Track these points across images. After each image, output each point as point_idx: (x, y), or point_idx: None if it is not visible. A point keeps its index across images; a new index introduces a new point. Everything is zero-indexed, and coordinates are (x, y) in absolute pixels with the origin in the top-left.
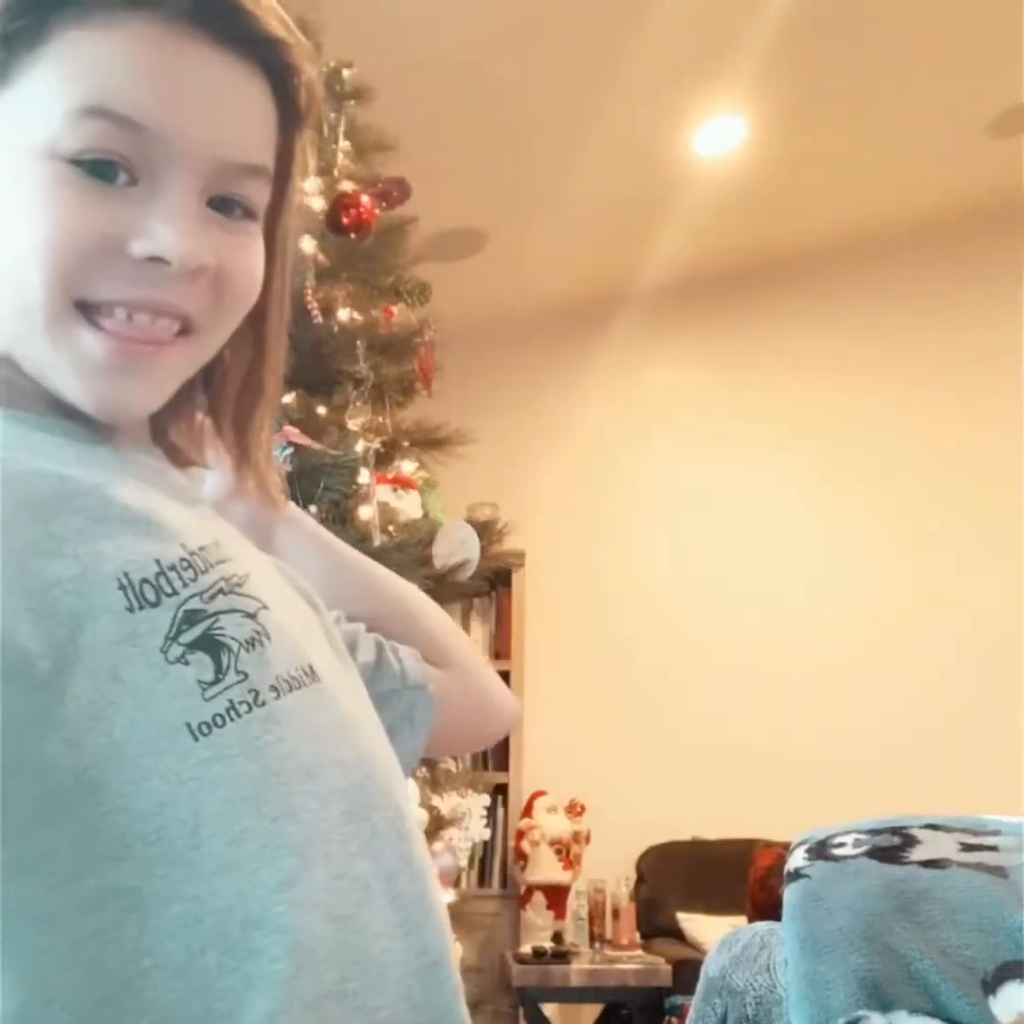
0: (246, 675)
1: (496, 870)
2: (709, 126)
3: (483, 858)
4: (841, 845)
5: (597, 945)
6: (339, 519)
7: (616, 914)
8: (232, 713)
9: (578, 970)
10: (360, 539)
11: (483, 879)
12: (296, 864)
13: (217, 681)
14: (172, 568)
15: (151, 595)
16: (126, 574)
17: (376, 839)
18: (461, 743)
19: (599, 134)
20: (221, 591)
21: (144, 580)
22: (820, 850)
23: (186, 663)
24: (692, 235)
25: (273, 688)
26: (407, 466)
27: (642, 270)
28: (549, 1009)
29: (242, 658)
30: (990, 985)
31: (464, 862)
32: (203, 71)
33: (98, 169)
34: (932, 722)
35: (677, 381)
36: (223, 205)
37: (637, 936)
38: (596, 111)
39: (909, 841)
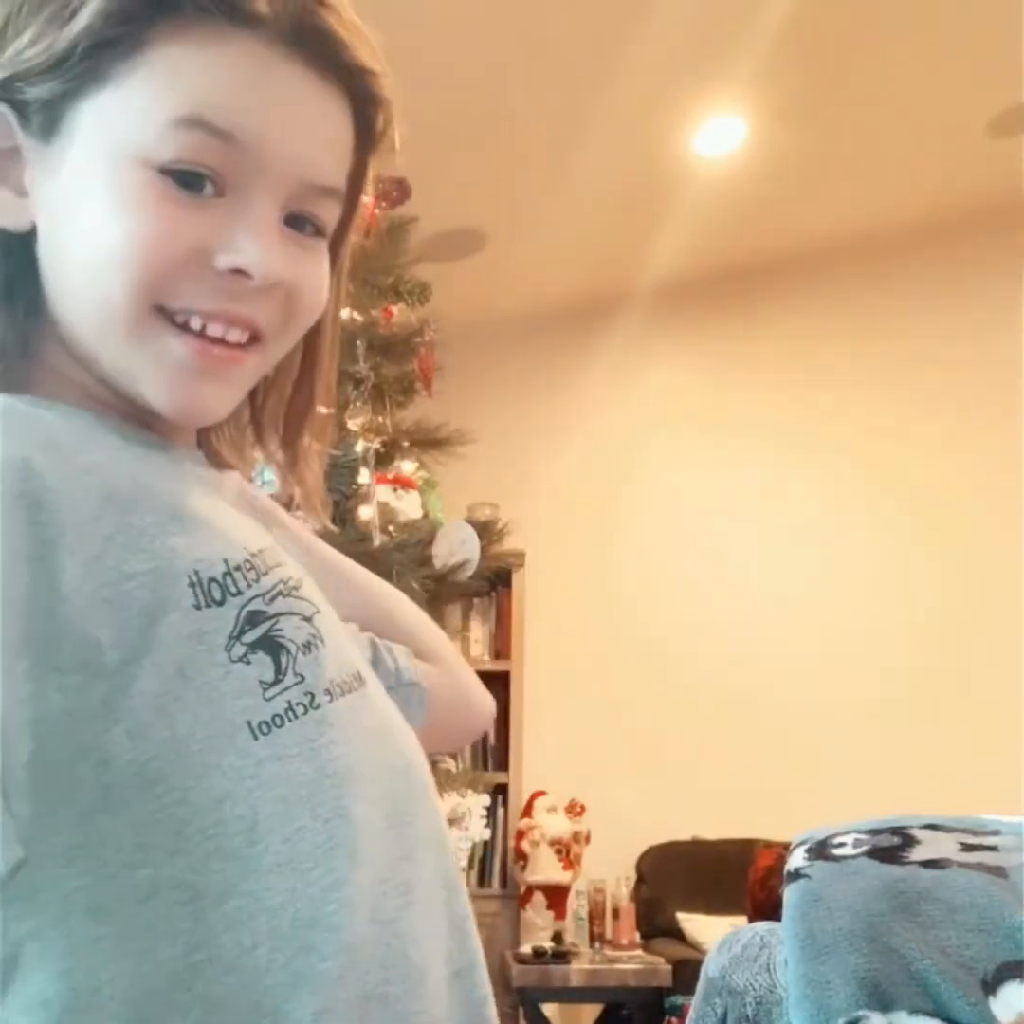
0: (303, 677)
1: (496, 870)
2: (709, 126)
3: (483, 858)
4: (841, 845)
5: (597, 945)
6: (339, 519)
7: (616, 914)
8: (290, 714)
9: (578, 970)
10: (360, 539)
11: (483, 879)
12: (347, 865)
13: (277, 682)
14: (237, 568)
15: (218, 594)
16: (196, 571)
17: (417, 846)
18: (445, 740)
19: (599, 134)
20: (280, 593)
21: (212, 579)
22: (820, 850)
23: (248, 663)
24: (692, 235)
25: (327, 691)
26: (407, 466)
27: (642, 270)
28: (549, 1009)
29: (299, 660)
30: (990, 985)
31: (464, 862)
32: (295, 92)
33: (186, 179)
34: (933, 722)
35: (677, 381)
36: (296, 222)
37: (637, 936)
38: (596, 111)
39: (909, 841)
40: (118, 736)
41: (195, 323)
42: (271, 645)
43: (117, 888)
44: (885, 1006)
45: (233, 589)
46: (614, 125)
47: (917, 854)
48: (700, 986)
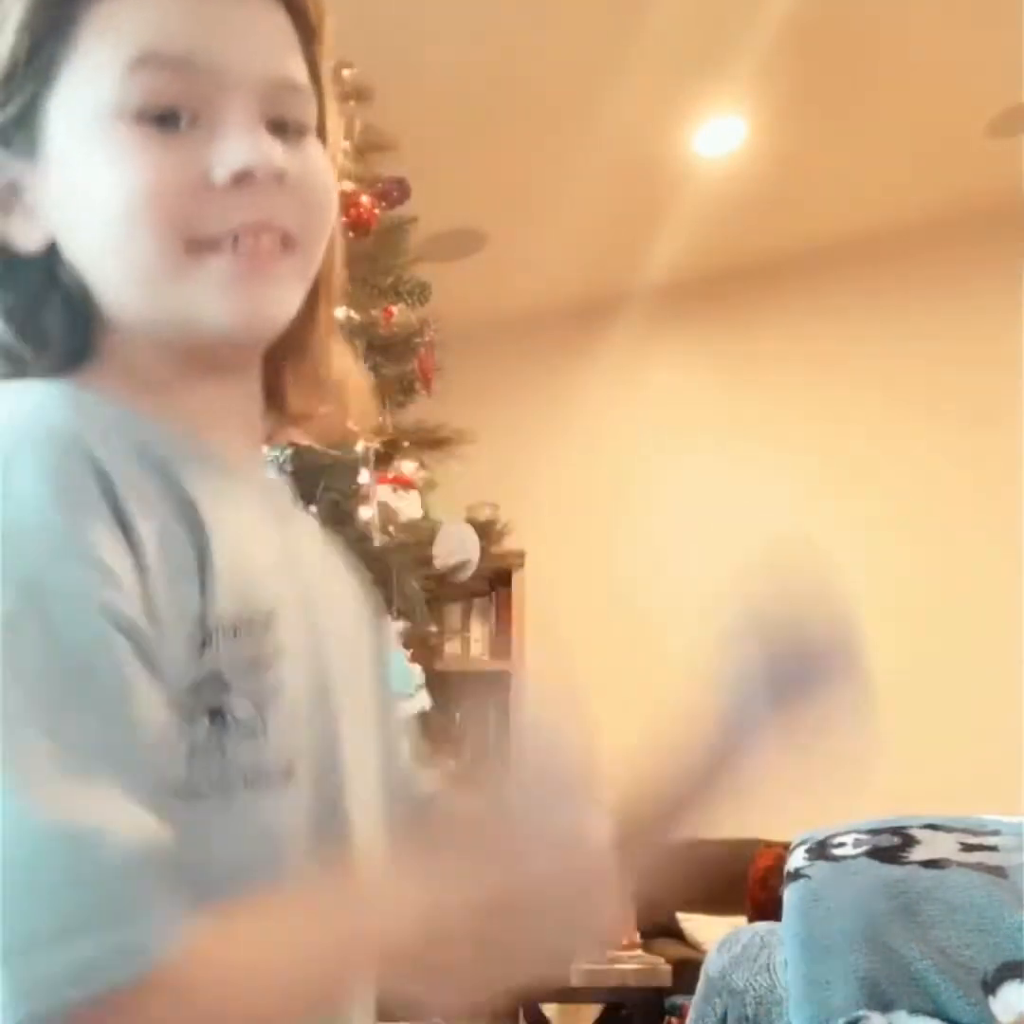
0: (226, 755)
1: None
2: (709, 126)
3: None
4: (841, 845)
5: None
6: (339, 519)
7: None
8: (198, 787)
9: (578, 970)
10: (360, 539)
11: None
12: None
13: (200, 751)
14: (221, 626)
15: (199, 639)
16: (196, 616)
17: None
18: None
19: (599, 134)
20: (248, 669)
21: (203, 627)
22: (820, 850)
23: (182, 719)
24: (692, 235)
25: (245, 780)
26: (407, 466)
27: (642, 270)
28: (549, 1009)
29: (231, 738)
30: (990, 985)
31: None
32: (229, 3)
33: (162, 119)
34: (933, 722)
35: (677, 381)
36: (277, 128)
37: (637, 936)
38: (596, 111)
39: (909, 841)
40: None
41: (227, 244)
42: (211, 714)
43: None
44: (885, 1006)
45: (206, 643)
46: (614, 125)
47: (917, 854)
48: (700, 986)
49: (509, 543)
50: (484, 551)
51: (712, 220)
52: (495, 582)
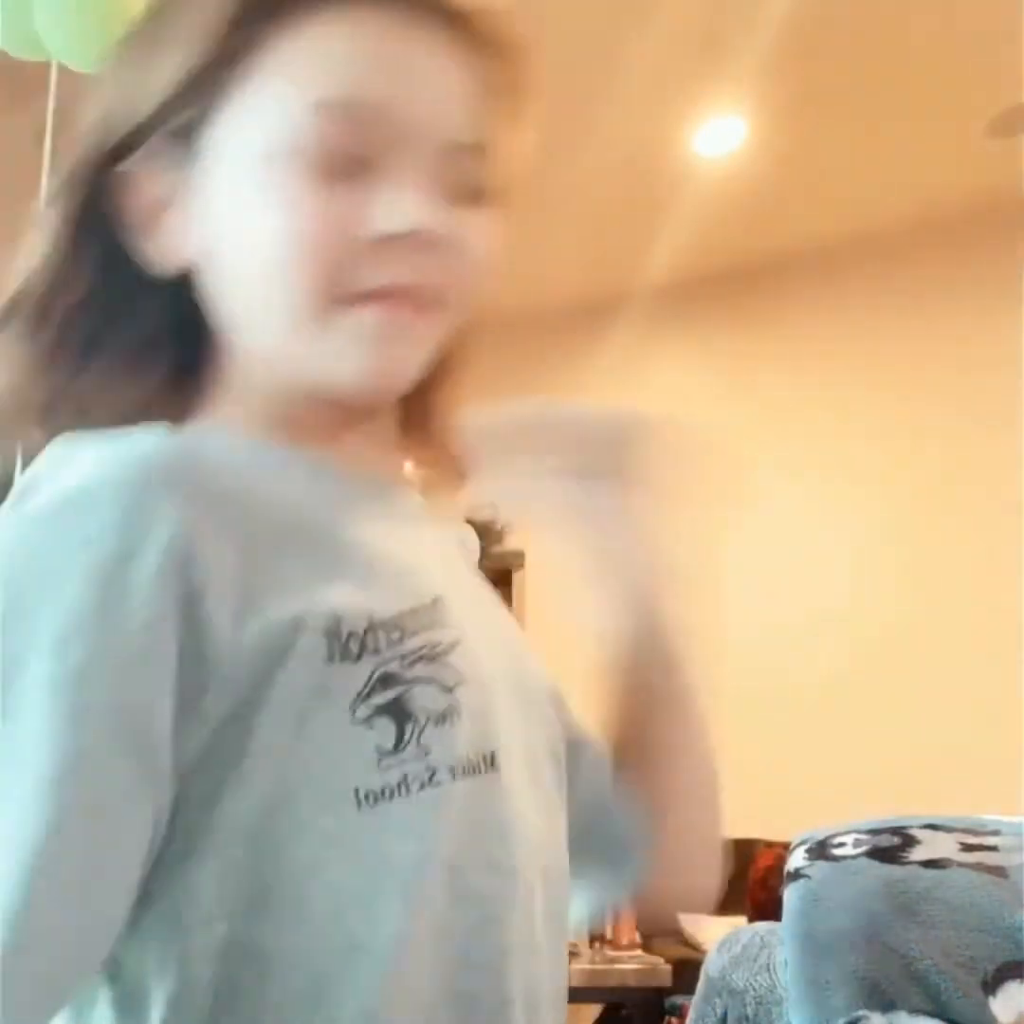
0: (427, 751)
1: None
2: (709, 126)
3: None
4: (841, 845)
5: (597, 945)
6: None
7: (616, 914)
8: (403, 788)
9: (578, 970)
10: None
11: None
12: (414, 961)
13: (396, 752)
14: (382, 625)
15: (354, 649)
16: (337, 622)
17: (498, 957)
18: (650, 900)
19: (599, 134)
20: (423, 658)
21: (351, 633)
22: (820, 850)
23: (370, 726)
24: (692, 235)
25: (451, 769)
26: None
27: (642, 270)
28: None
29: (427, 733)
30: (990, 985)
31: None
32: (419, 53)
33: (331, 165)
34: (933, 722)
35: (676, 381)
36: (450, 188)
37: (637, 936)
38: (596, 111)
39: (909, 841)
40: (229, 783)
41: (373, 298)
42: (399, 712)
43: (187, 941)
44: (885, 1006)
45: (371, 647)
46: (614, 125)
47: (917, 854)
48: (700, 986)
49: (509, 543)
50: (484, 551)
51: (712, 220)
52: (495, 582)
